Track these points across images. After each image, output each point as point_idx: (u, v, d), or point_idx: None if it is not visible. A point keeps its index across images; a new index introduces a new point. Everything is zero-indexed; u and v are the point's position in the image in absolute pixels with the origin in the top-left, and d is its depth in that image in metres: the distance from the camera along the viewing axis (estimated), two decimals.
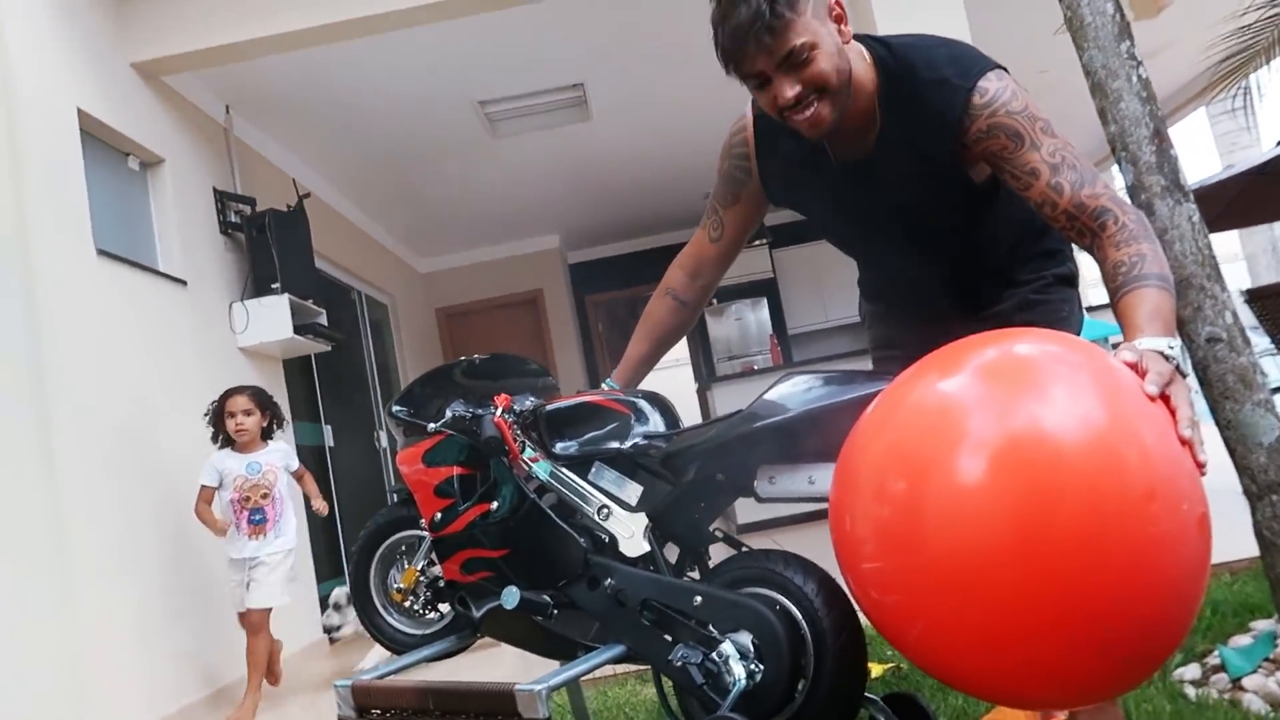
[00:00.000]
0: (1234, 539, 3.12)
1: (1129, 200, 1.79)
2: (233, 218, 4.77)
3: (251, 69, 4.57)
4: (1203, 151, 12.93)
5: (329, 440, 5.67)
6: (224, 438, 3.59)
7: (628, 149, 6.72)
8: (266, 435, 3.67)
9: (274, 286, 4.66)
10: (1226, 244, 14.09)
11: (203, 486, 3.54)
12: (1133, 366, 1.15)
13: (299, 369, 5.41)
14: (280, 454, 3.68)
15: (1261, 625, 2.22)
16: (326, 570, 5.17)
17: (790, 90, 1.43)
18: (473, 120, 5.74)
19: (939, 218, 1.64)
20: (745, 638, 1.37)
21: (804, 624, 1.37)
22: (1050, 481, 1.03)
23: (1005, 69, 1.53)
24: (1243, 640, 2.18)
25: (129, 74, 4.11)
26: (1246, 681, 1.99)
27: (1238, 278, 11.71)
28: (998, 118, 1.48)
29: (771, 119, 1.68)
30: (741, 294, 8.68)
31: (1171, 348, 1.19)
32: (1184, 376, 1.19)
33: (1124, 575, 1.03)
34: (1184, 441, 1.09)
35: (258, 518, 3.55)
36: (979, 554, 1.05)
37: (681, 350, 10.73)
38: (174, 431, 3.88)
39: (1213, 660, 2.14)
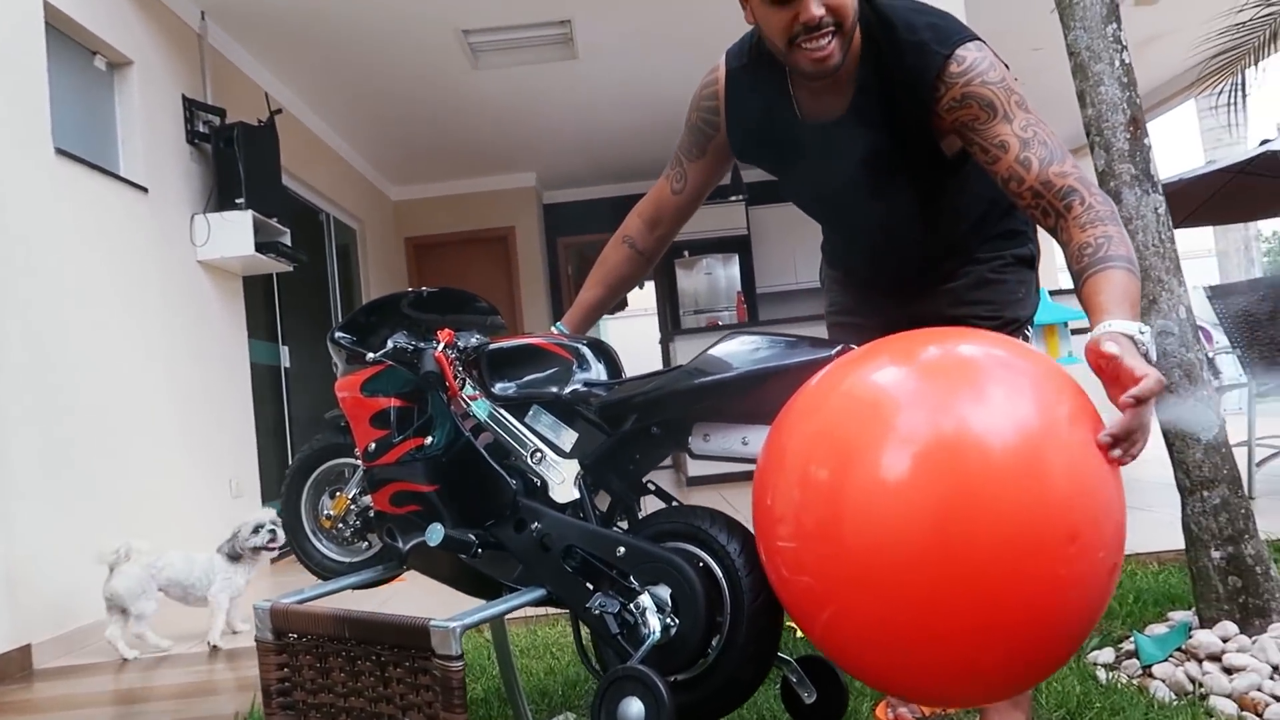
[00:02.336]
0: (1164, 531, 3.19)
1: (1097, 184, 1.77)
2: (200, 128, 4.65)
3: None
4: (1188, 144, 12.97)
5: (285, 361, 5.62)
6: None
7: (612, 91, 6.61)
8: None
9: (238, 201, 4.57)
10: (1200, 239, 14.24)
11: None
12: (1112, 361, 1.09)
13: (259, 287, 5.33)
14: None
15: (1179, 616, 2.27)
16: (273, 490, 5.15)
17: (817, 9, 1.39)
18: (455, 49, 5.60)
19: (905, 186, 1.62)
20: (664, 591, 1.37)
21: (724, 582, 1.37)
22: (974, 490, 1.02)
23: (984, 41, 1.51)
24: (1159, 629, 2.23)
25: None
26: (1157, 669, 2.04)
27: (1209, 273, 11.86)
28: (973, 87, 1.45)
29: (743, 74, 1.64)
30: (714, 248, 8.64)
31: (1143, 332, 1.16)
32: (1151, 364, 1.17)
33: (1031, 601, 1.04)
34: (1102, 447, 1.07)
35: None
36: (893, 551, 1.04)
37: (648, 300, 10.71)
38: (128, 340, 3.82)
39: (1128, 646, 2.19)
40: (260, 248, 4.60)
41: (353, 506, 1.79)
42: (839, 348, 1.35)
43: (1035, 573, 1.03)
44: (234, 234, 4.53)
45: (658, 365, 8.61)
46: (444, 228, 8.46)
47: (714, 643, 1.36)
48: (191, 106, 4.63)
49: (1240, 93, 5.69)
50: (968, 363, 1.16)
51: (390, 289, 7.87)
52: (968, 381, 1.12)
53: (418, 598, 3.13)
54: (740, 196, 8.38)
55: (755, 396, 1.39)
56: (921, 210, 1.66)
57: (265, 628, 1.53)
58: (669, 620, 1.35)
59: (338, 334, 1.77)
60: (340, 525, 1.80)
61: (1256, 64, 5.27)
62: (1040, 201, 1.41)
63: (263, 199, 4.67)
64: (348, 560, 1.82)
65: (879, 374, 1.19)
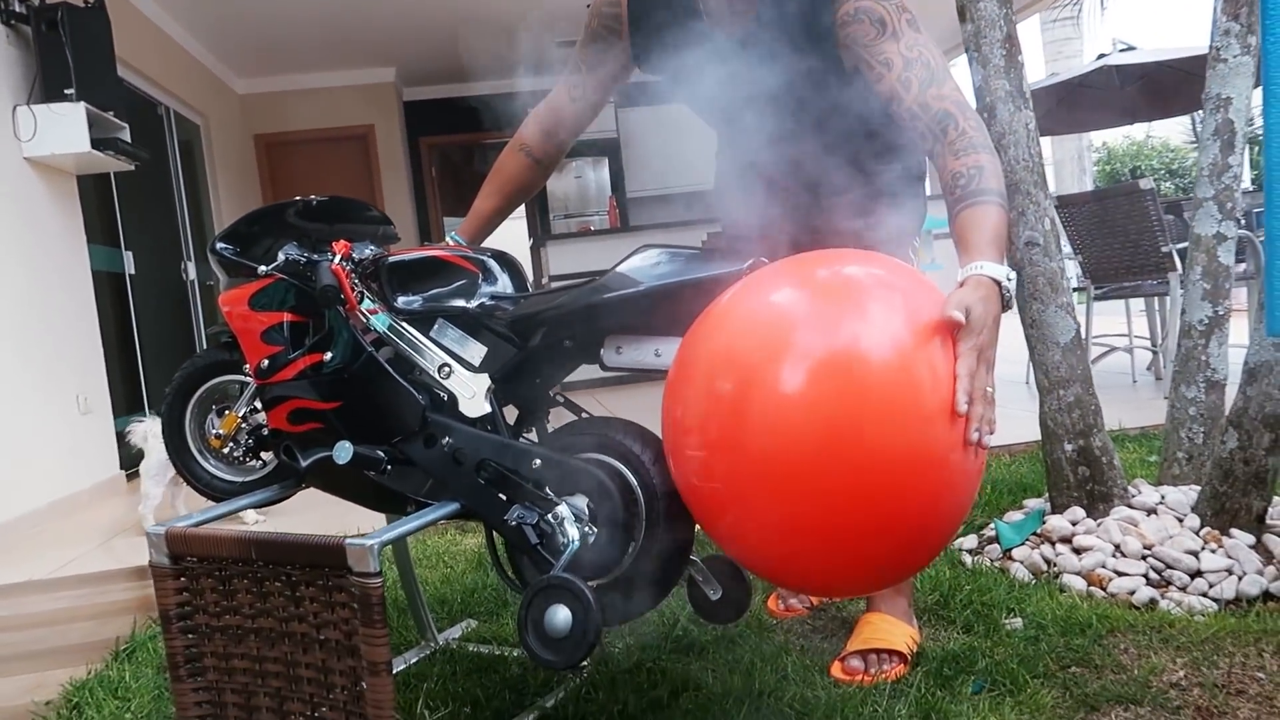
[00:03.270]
0: (1015, 425, 3.45)
1: (973, 105, 1.84)
2: (17, 7, 4.17)
3: None
4: (1031, 56, 13.53)
5: (129, 267, 5.24)
6: None
7: None
8: None
9: (68, 93, 4.15)
10: None
11: None
12: (956, 327, 1.14)
13: (96, 187, 4.91)
14: None
15: (1033, 504, 2.48)
16: (124, 405, 4.87)
17: None
18: None
19: (806, 98, 1.63)
20: (581, 501, 1.40)
21: (638, 490, 1.40)
22: (860, 397, 1.12)
23: None
24: (1016, 516, 2.43)
25: None
26: (1016, 553, 2.23)
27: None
28: (866, 2, 1.47)
29: None
30: (583, 151, 8.50)
31: (1010, 279, 1.23)
32: (1008, 309, 1.24)
33: (915, 482, 1.15)
34: (958, 414, 1.12)
35: None
36: (790, 456, 1.14)
37: None
38: None
39: (989, 533, 2.38)
40: (96, 144, 4.21)
41: (243, 425, 1.72)
42: (750, 262, 1.37)
43: (920, 477, 1.15)
44: (65, 129, 4.12)
45: (529, 271, 8.52)
46: (297, 125, 7.95)
47: (629, 548, 1.40)
48: None
49: (1082, 5, 5.95)
50: (852, 283, 1.25)
51: (240, 188, 7.41)
52: (852, 301, 1.21)
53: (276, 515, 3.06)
54: (610, 99, 8.23)
55: (665, 310, 1.40)
56: (820, 123, 1.69)
57: (161, 553, 1.47)
58: (587, 529, 1.38)
59: (219, 245, 1.67)
60: (231, 444, 1.72)
61: None
62: (918, 124, 1.45)
63: (95, 90, 4.25)
64: (240, 480, 1.76)
65: (775, 295, 1.27)
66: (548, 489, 1.41)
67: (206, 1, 6.07)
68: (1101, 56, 7.22)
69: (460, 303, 1.53)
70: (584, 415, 1.56)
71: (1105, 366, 5.01)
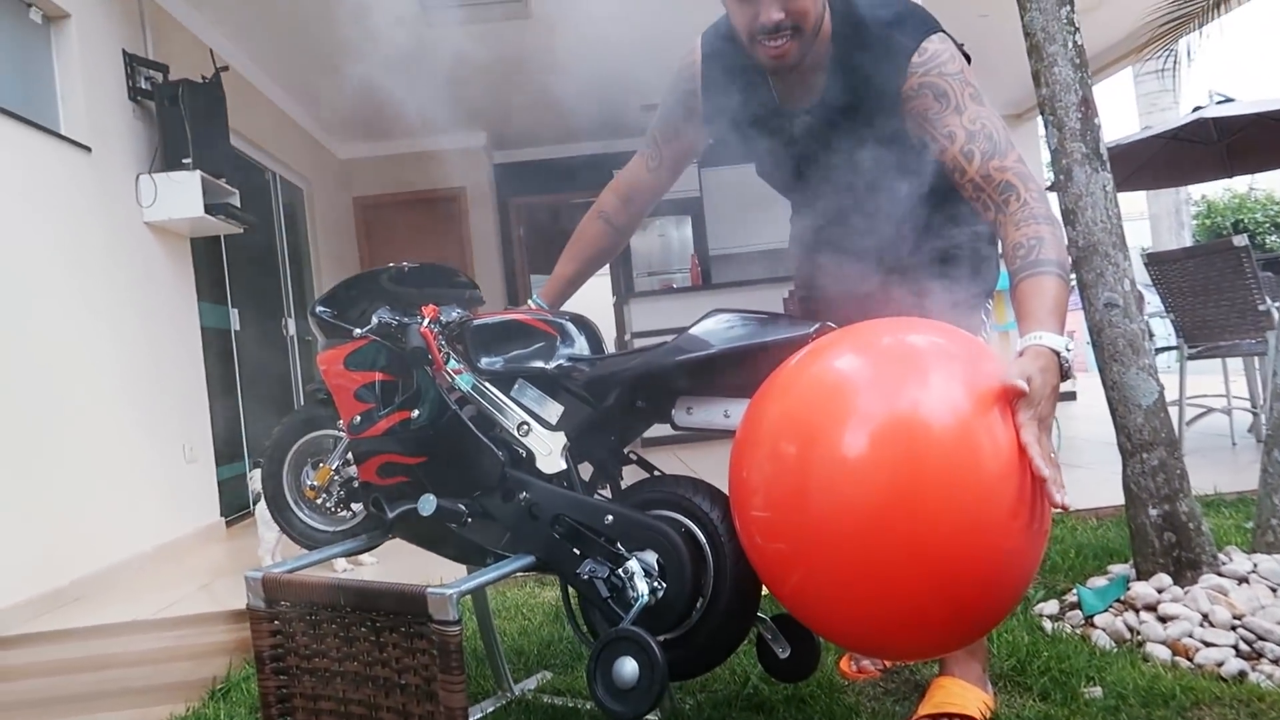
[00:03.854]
0: (1102, 488, 3.37)
1: (1037, 174, 1.87)
2: (143, 84, 4.52)
3: None
4: (1123, 110, 13.29)
5: (235, 323, 5.53)
6: None
7: (565, 52, 6.53)
8: None
9: (185, 161, 4.47)
10: (1132, 203, 14.64)
11: None
12: (1018, 396, 1.17)
13: (207, 249, 5.23)
14: None
15: (1118, 569, 2.41)
16: (226, 454, 5.11)
17: (776, 13, 1.44)
18: (407, 6, 5.50)
19: (873, 169, 1.68)
20: (651, 556, 1.44)
21: (707, 547, 1.45)
22: (921, 465, 1.15)
23: (948, 34, 1.58)
24: (1099, 582, 2.37)
25: None
26: (1098, 619, 2.18)
27: (1141, 236, 12.23)
28: (930, 77, 1.53)
29: (720, 58, 1.69)
30: (666, 210, 8.66)
31: (1069, 349, 1.27)
32: (1067, 379, 1.27)
33: (976, 564, 1.17)
34: (1039, 479, 1.15)
35: None
36: (852, 519, 1.16)
37: None
38: (73, 301, 3.75)
39: (1070, 598, 2.33)
40: (209, 209, 4.51)
41: (336, 477, 1.82)
42: (816, 326, 1.42)
43: (980, 540, 1.16)
44: (182, 195, 4.43)
45: (610, 330, 8.64)
46: (393, 187, 8.32)
47: (698, 604, 1.44)
48: (133, 62, 4.49)
49: (1178, 60, 5.86)
50: (914, 350, 1.28)
51: (338, 249, 7.76)
52: (914, 367, 1.24)
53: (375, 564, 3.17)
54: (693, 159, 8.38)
55: (735, 371, 1.46)
56: (888, 191, 1.73)
57: (257, 597, 1.56)
58: (656, 584, 1.42)
59: (319, 308, 1.79)
60: (324, 496, 1.83)
61: (1201, 28, 5.42)
62: (981, 195, 1.50)
63: (210, 158, 4.57)
64: (330, 529, 1.85)
65: (841, 361, 1.31)
66: (619, 544, 1.46)
67: (312, 73, 6.45)
68: (1197, 109, 7.07)
69: (539, 364, 1.61)
70: (656, 473, 1.61)
71: (1202, 428, 4.84)
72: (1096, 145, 2.29)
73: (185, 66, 4.79)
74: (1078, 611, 2.25)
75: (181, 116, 4.47)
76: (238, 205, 4.82)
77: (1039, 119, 2.41)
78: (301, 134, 7.23)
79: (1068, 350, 1.25)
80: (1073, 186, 2.29)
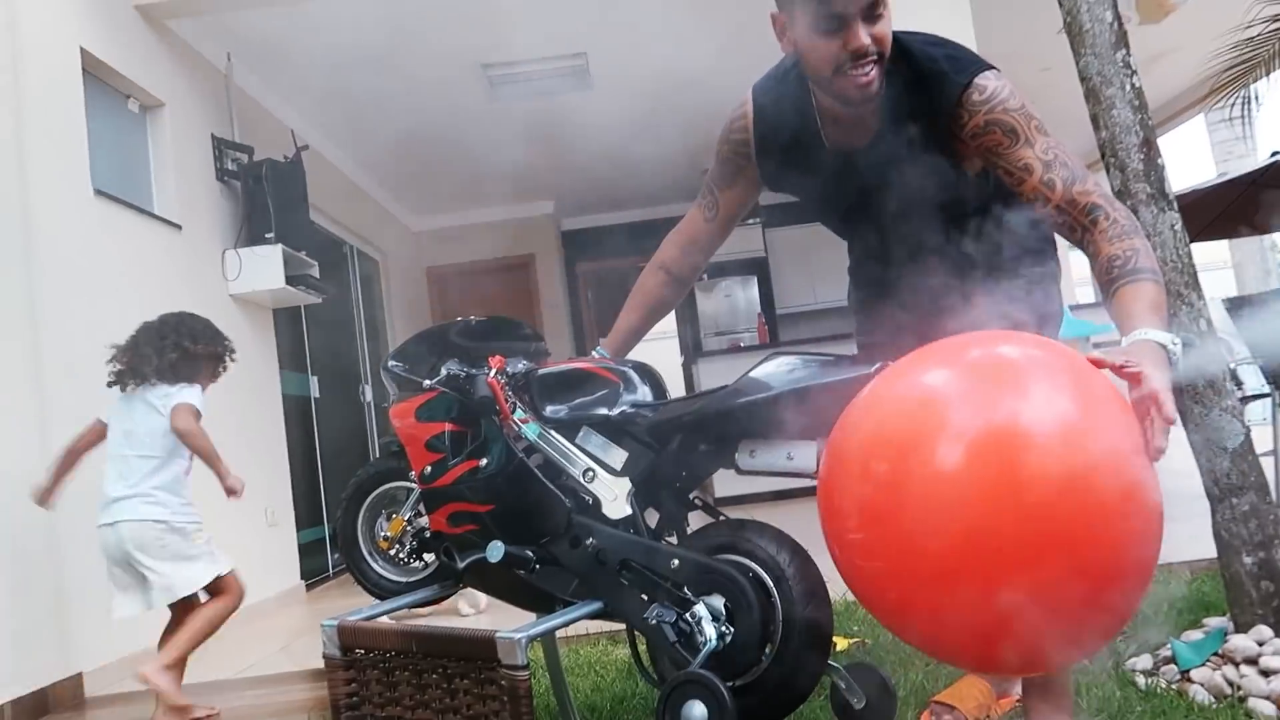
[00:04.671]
0: (1196, 540, 3.22)
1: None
2: (229, 165, 4.77)
3: (254, 17, 4.55)
4: (1200, 157, 13.00)
5: (314, 391, 5.71)
6: (196, 372, 2.94)
7: (626, 120, 6.71)
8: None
9: (268, 236, 4.68)
10: (1216, 251, 14.21)
11: (197, 410, 2.86)
12: (1134, 376, 1.15)
13: (288, 319, 5.43)
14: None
15: (1214, 622, 2.30)
16: (306, 518, 5.22)
17: (865, 38, 1.47)
18: (474, 83, 5.73)
19: (928, 208, 1.69)
20: (718, 601, 1.44)
21: (775, 592, 1.43)
22: (1019, 471, 1.11)
23: (999, 69, 1.59)
24: (1195, 635, 2.26)
25: (133, 16, 4.10)
26: (1195, 674, 2.07)
27: (1226, 285, 11.85)
28: (995, 114, 1.53)
29: (772, 107, 1.72)
30: (732, 271, 8.72)
31: (1175, 343, 1.23)
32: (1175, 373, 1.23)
33: (1081, 562, 1.11)
34: (1153, 452, 1.13)
35: None
36: (949, 532, 1.13)
37: (669, 323, 10.77)
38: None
39: (1165, 652, 2.23)
40: (290, 281, 4.70)
41: (408, 528, 1.85)
42: (878, 365, 1.42)
43: (1088, 522, 1.10)
44: (264, 268, 4.63)
45: (680, 390, 8.66)
46: (464, 257, 8.56)
47: (767, 650, 1.42)
48: (220, 145, 4.75)
49: (1249, 106, 5.75)
50: (1007, 362, 1.24)
51: (412, 317, 7.97)
52: (1007, 378, 1.20)
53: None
54: (756, 219, 8.47)
55: (797, 413, 1.46)
56: (944, 231, 1.73)
57: (333, 645, 1.59)
58: (724, 629, 1.41)
59: (391, 362, 1.84)
60: (397, 546, 1.86)
61: (1268, 74, 5.32)
62: (1067, 219, 1.49)
63: (291, 233, 4.78)
64: (403, 580, 1.88)
65: (927, 376, 1.28)
66: (686, 589, 1.46)
67: (388, 151, 6.73)
68: (1276, 154, 6.90)
69: (603, 411, 1.63)
70: (722, 518, 1.61)
71: None
72: (1161, 185, 2.25)
73: (268, 147, 5.04)
74: (1173, 666, 2.15)
75: (265, 194, 4.70)
76: (317, 276, 5.01)
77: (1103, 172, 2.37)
78: (376, 207, 7.50)
79: (1174, 344, 1.22)
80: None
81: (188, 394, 2.87)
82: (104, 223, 3.66)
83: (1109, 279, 1.38)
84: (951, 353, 1.30)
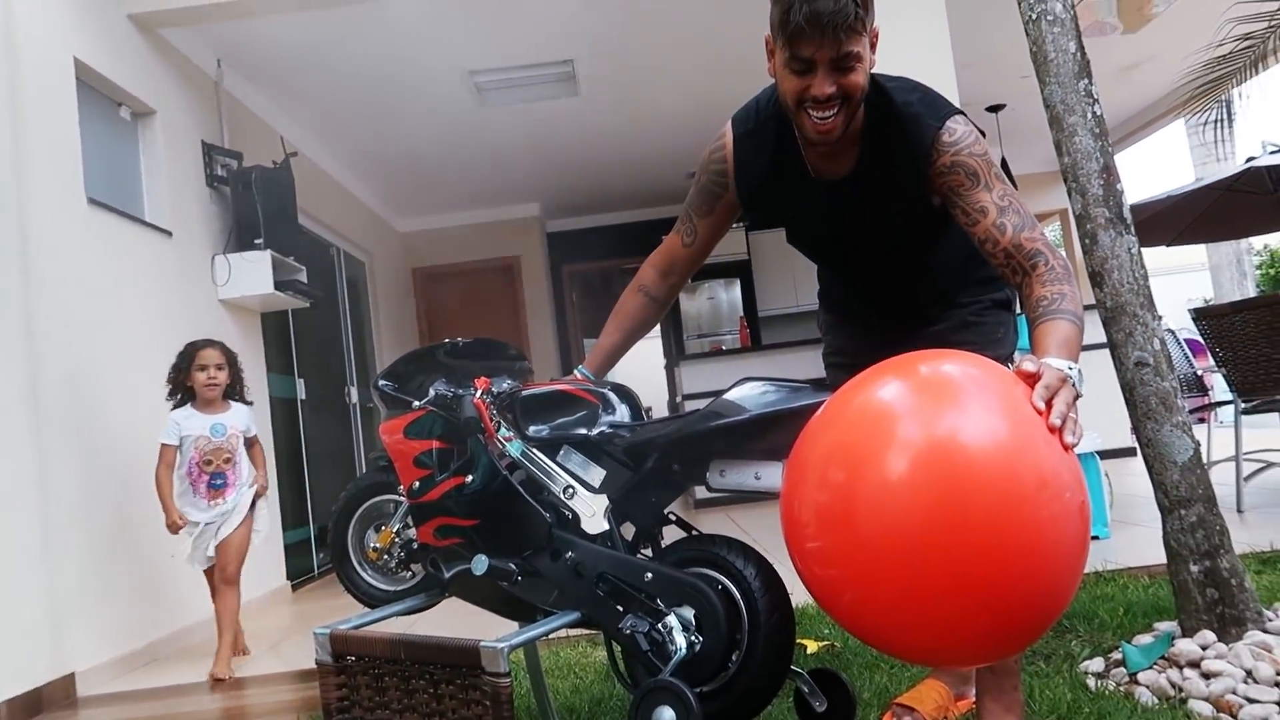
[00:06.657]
0: (1156, 546, 3.34)
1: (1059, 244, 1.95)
2: (219, 171, 4.83)
3: (245, 25, 4.62)
4: (1178, 162, 13.19)
5: (301, 393, 5.77)
6: (185, 394, 3.42)
7: (613, 125, 6.81)
8: (229, 395, 3.53)
9: (257, 242, 4.74)
10: (1194, 254, 14.42)
11: (164, 446, 3.31)
12: (1031, 377, 1.30)
13: (275, 321, 5.50)
14: (243, 418, 3.53)
15: (1164, 626, 2.42)
16: (292, 519, 5.29)
17: (828, 87, 1.56)
18: (461, 89, 5.80)
19: (901, 238, 1.80)
20: (688, 612, 1.54)
21: (741, 603, 1.54)
22: (962, 477, 1.23)
23: (965, 114, 1.69)
24: (1145, 639, 2.38)
25: (125, 25, 4.15)
26: (1141, 676, 2.19)
27: (1203, 287, 12.02)
28: (961, 156, 1.64)
29: (752, 136, 1.82)
30: (715, 274, 8.82)
31: (1071, 369, 1.35)
32: (1078, 396, 1.35)
33: (1020, 552, 1.23)
34: (1052, 430, 1.25)
35: (219, 482, 3.41)
36: (899, 534, 1.24)
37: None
38: (157, 380, 3.98)
39: (1116, 656, 2.34)
40: (278, 286, 4.76)
41: (397, 539, 1.94)
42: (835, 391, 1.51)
43: (1020, 522, 1.23)
44: (253, 273, 4.70)
45: (663, 389, 8.74)
46: (450, 258, 8.63)
47: (734, 657, 1.52)
48: (210, 151, 4.81)
49: (1226, 114, 5.89)
50: (949, 380, 1.36)
51: (398, 319, 8.04)
52: (950, 395, 1.32)
53: (434, 620, 3.27)
54: (740, 223, 8.57)
55: (767, 436, 1.55)
56: (913, 260, 1.84)
57: (325, 651, 1.68)
58: (694, 638, 1.51)
59: (381, 382, 1.93)
60: (385, 557, 1.95)
61: (1242, 83, 5.46)
62: (1011, 261, 1.60)
63: (280, 238, 4.84)
64: (392, 589, 1.98)
65: (881, 392, 1.38)
66: (659, 600, 1.56)
67: (375, 154, 6.80)
68: (1251, 159, 7.04)
69: (583, 431, 1.73)
70: (694, 533, 1.71)
71: (1260, 484, 4.76)
72: (1120, 210, 2.37)
73: (258, 153, 5.10)
74: (1122, 669, 2.26)
75: (254, 200, 4.77)
76: (304, 281, 5.08)
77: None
78: (363, 209, 7.56)
79: (1070, 369, 1.33)
80: (1098, 250, 2.36)
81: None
82: (97, 231, 3.73)
83: (1035, 316, 1.51)
84: (902, 369, 1.41)
